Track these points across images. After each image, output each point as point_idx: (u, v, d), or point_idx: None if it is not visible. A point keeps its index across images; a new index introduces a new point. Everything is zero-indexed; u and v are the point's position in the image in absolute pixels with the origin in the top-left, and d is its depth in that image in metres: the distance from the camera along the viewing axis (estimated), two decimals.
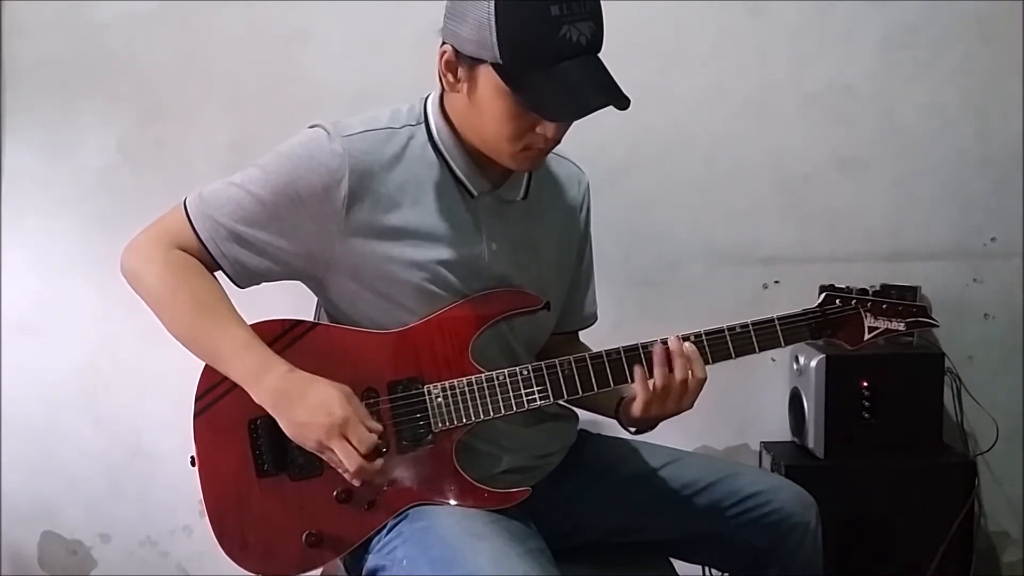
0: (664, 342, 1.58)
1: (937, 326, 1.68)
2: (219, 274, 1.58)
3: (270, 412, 1.50)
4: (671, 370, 1.57)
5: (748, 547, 1.69)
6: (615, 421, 1.73)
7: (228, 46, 2.61)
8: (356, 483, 1.52)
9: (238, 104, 2.61)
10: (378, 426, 1.51)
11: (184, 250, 1.55)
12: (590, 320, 1.85)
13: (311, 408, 1.47)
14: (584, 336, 1.86)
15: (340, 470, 1.50)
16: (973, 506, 2.46)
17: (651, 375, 1.57)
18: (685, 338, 1.59)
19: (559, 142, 1.54)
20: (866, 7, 2.59)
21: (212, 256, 1.55)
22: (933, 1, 2.59)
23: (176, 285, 1.54)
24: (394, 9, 2.54)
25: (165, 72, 2.61)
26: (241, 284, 1.58)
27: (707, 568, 2.12)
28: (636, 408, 1.60)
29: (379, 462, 1.49)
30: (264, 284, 1.61)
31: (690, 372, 1.57)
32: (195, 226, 1.55)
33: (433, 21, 1.53)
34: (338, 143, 1.52)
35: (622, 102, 1.44)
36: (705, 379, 1.59)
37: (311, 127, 1.57)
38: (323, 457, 1.51)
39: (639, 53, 2.51)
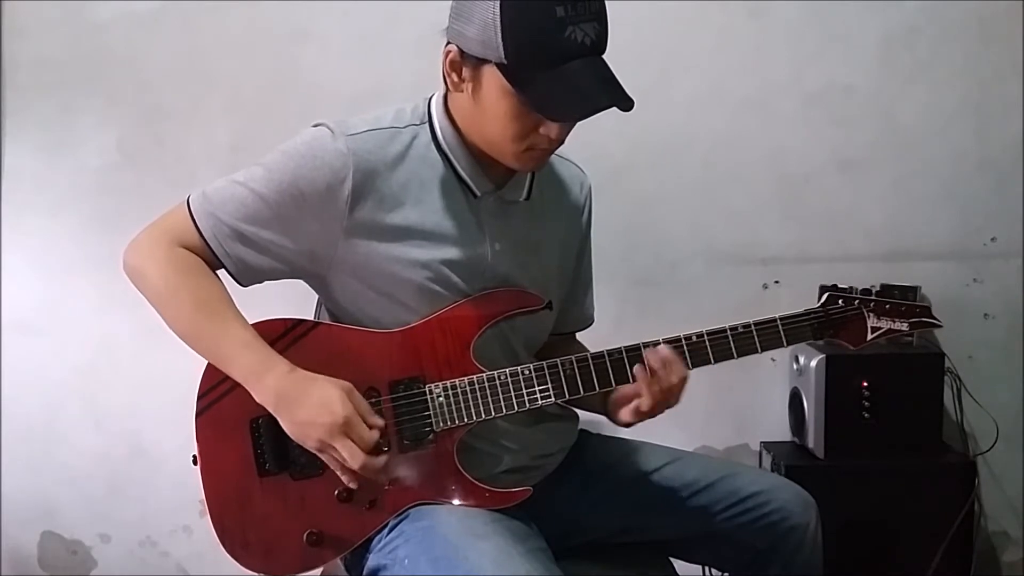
0: (642, 354, 1.59)
1: (940, 326, 1.67)
2: (222, 272, 1.58)
3: (271, 412, 1.50)
4: (656, 380, 1.57)
5: (748, 547, 1.69)
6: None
7: (228, 46, 2.61)
8: (353, 485, 1.52)
9: (238, 104, 2.61)
10: (380, 421, 1.51)
11: (187, 248, 1.55)
12: (588, 322, 1.86)
13: (312, 408, 1.47)
14: (585, 336, 1.86)
15: (339, 471, 1.51)
16: (973, 506, 2.46)
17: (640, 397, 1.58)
18: (670, 340, 1.60)
19: (563, 143, 1.54)
20: (866, 7, 2.59)
21: (215, 254, 1.55)
22: (933, 1, 2.59)
23: (178, 283, 1.54)
24: (394, 9, 2.55)
25: (165, 72, 2.61)
26: (244, 283, 1.58)
27: (707, 568, 2.12)
28: (627, 415, 1.62)
29: (382, 459, 1.50)
30: (265, 284, 1.61)
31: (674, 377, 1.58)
32: (198, 224, 1.55)
33: (433, 21, 1.53)
34: (342, 142, 1.52)
35: (626, 103, 1.44)
36: (687, 377, 1.59)
37: (315, 126, 1.56)
38: (323, 458, 1.50)
39: (639, 53, 2.50)
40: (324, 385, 1.49)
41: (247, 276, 1.57)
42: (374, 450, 1.48)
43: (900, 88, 2.63)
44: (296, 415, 1.48)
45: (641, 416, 1.61)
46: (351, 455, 1.46)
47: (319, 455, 1.50)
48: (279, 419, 1.50)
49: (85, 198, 2.64)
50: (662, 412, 1.61)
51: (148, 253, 1.56)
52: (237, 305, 1.56)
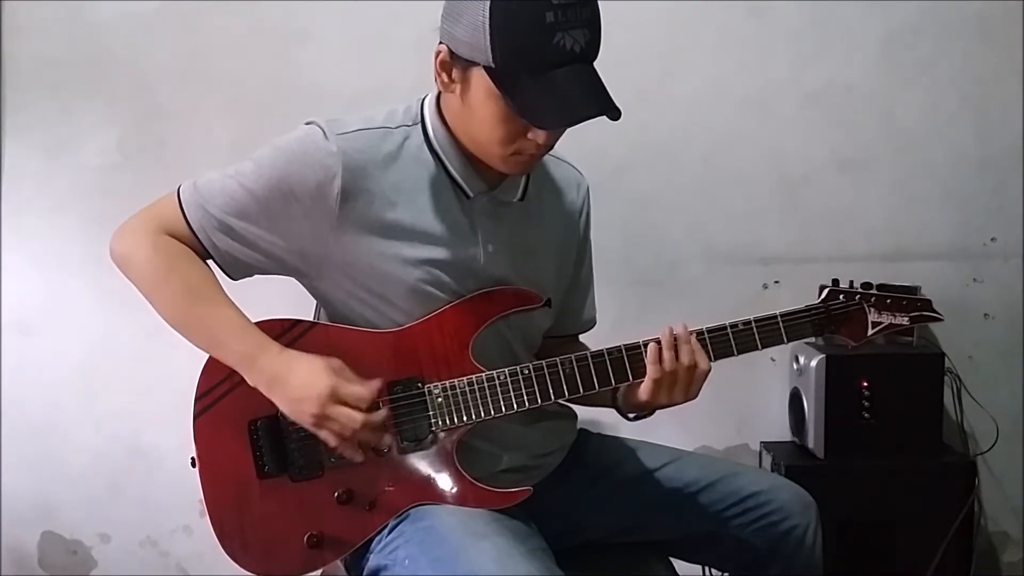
0: (641, 349, 1.57)
1: (941, 319, 1.67)
2: (211, 263, 1.58)
3: (266, 395, 1.51)
4: (677, 356, 1.56)
5: (748, 547, 1.69)
6: (614, 421, 1.73)
7: (228, 46, 2.61)
8: (359, 458, 1.52)
9: (238, 104, 2.61)
10: (375, 383, 1.50)
11: (175, 237, 1.55)
12: (588, 325, 1.85)
13: (299, 382, 1.48)
14: (585, 335, 1.86)
15: (340, 445, 1.50)
16: (973, 506, 2.46)
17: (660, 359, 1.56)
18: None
19: (551, 147, 1.54)
20: (866, 7, 2.59)
21: (203, 245, 1.55)
22: (933, 1, 2.59)
23: (167, 270, 1.54)
24: (394, 9, 2.54)
25: (165, 72, 2.61)
26: (233, 275, 1.59)
27: (707, 568, 2.12)
28: (644, 391, 1.58)
29: (382, 412, 1.50)
30: (264, 285, 1.61)
31: (696, 362, 1.57)
32: (187, 215, 1.55)
33: (433, 21, 1.52)
34: (332, 141, 1.51)
35: (613, 112, 1.43)
36: (709, 371, 1.58)
37: (307, 124, 1.56)
38: (321, 435, 1.50)
39: (639, 53, 2.50)
40: (310, 360, 1.50)
41: (235, 269, 1.58)
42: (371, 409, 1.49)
43: (900, 88, 2.63)
44: (287, 393, 1.49)
45: (658, 391, 1.57)
46: (348, 418, 1.47)
47: (318, 433, 1.50)
48: (275, 402, 1.51)
49: (85, 198, 2.63)
50: (680, 399, 1.58)
51: (134, 240, 1.56)
52: (236, 305, 1.55)
